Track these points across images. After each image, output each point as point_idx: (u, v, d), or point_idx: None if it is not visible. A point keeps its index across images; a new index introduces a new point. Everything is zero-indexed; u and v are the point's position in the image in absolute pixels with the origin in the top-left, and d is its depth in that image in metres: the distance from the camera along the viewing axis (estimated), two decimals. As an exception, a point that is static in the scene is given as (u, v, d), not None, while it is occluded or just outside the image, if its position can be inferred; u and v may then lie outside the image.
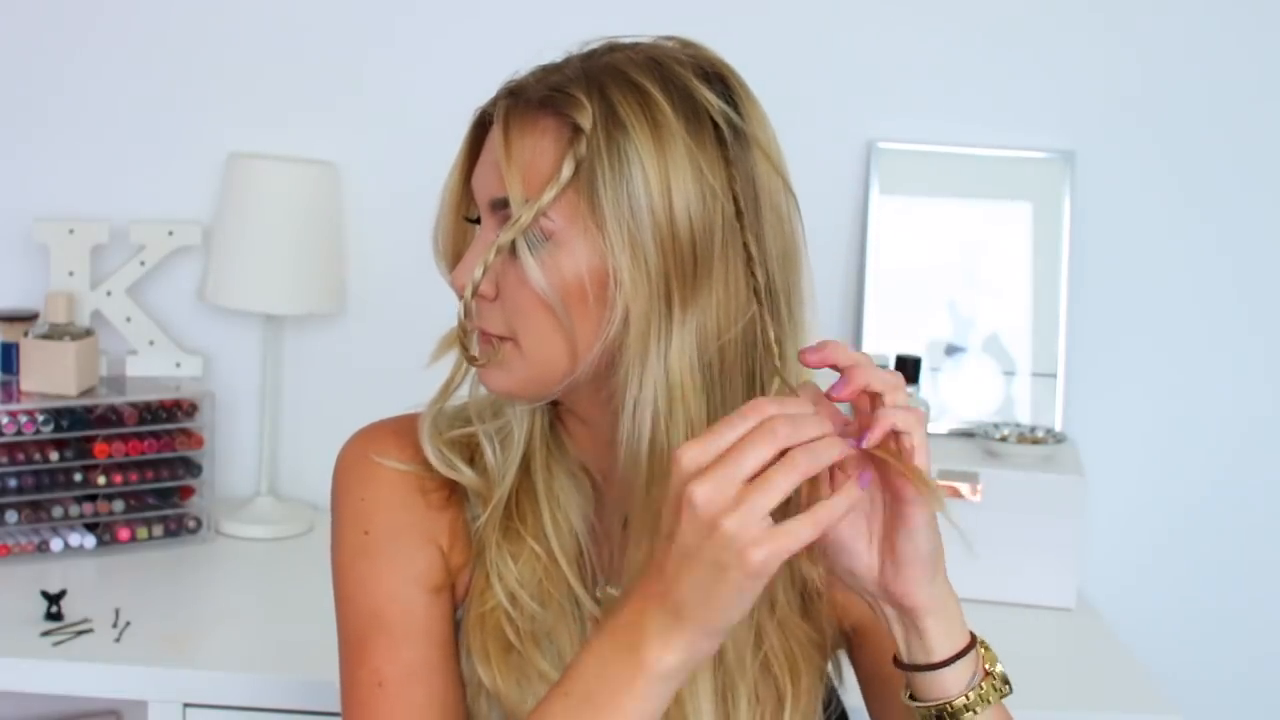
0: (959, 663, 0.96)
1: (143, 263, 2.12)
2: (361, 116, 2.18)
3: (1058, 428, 2.10)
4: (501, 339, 1.05)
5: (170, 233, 2.13)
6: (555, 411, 1.14)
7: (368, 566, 1.12)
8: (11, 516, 1.94)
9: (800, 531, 0.87)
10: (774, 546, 0.87)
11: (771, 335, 1.01)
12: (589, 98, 1.01)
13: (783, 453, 0.88)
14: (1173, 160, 2.15)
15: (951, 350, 2.14)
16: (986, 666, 0.98)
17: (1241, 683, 2.23)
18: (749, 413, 0.89)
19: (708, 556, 0.88)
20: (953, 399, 2.13)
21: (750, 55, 1.93)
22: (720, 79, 1.05)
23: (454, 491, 1.14)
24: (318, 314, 2.16)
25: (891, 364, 2.04)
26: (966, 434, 2.10)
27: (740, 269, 1.01)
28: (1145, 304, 2.17)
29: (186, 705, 1.69)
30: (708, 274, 1.00)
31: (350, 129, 2.17)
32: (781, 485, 0.87)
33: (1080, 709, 1.77)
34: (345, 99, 2.17)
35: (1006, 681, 0.98)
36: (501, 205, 1.03)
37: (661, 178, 0.99)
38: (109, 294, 2.12)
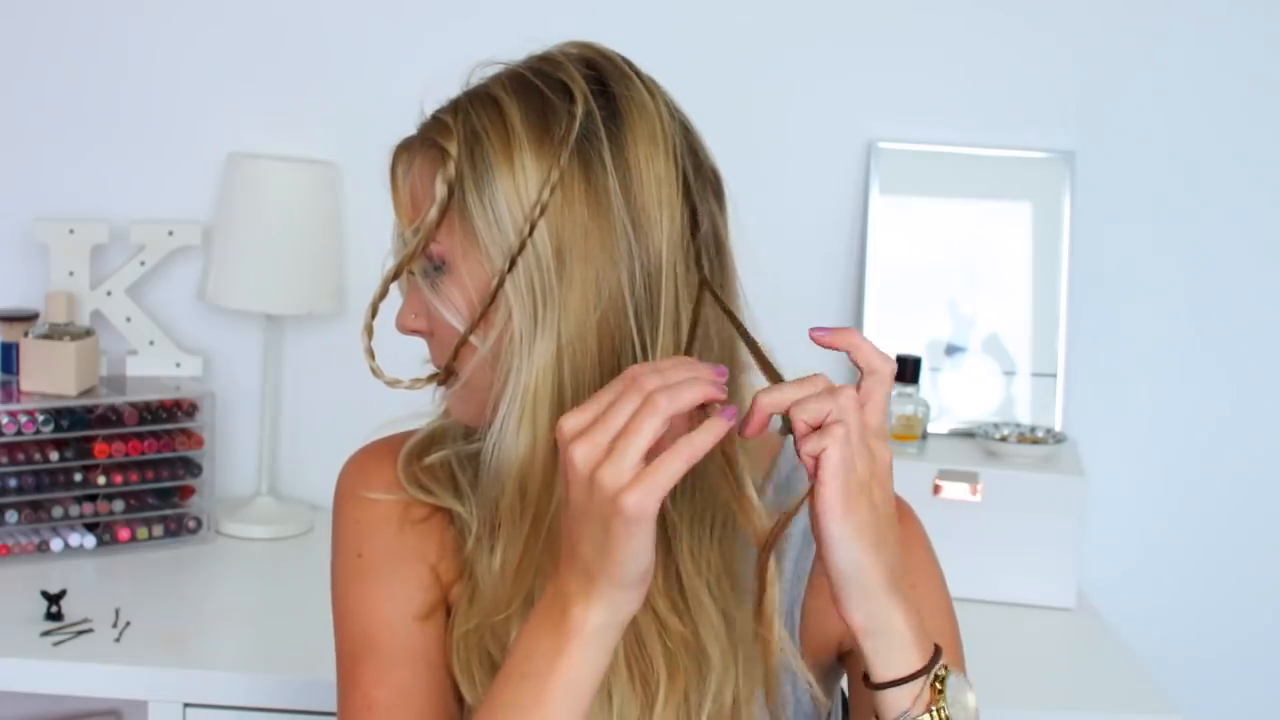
0: (903, 687, 0.94)
1: (143, 263, 2.12)
2: (361, 116, 2.17)
3: (1058, 428, 2.10)
4: (447, 372, 1.09)
5: (170, 233, 2.13)
6: None
7: (361, 589, 1.13)
8: (11, 516, 1.94)
9: (668, 467, 0.89)
10: (644, 487, 0.88)
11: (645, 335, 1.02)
12: (454, 120, 1.05)
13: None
14: (1173, 160, 2.15)
15: (951, 350, 2.14)
16: (936, 706, 0.95)
17: (1241, 683, 2.23)
18: (623, 377, 0.92)
19: (594, 510, 0.90)
20: (953, 399, 2.13)
21: (750, 55, 1.94)
22: (593, 75, 1.04)
23: (441, 508, 1.15)
24: (318, 314, 2.16)
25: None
26: (966, 434, 2.10)
27: (597, 271, 1.01)
28: (1145, 304, 2.17)
29: (186, 705, 1.69)
30: (563, 277, 1.01)
31: (350, 129, 2.16)
32: (645, 428, 0.89)
33: (1080, 709, 1.77)
34: (345, 99, 2.17)
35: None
36: (406, 238, 1.07)
37: (515, 184, 1.01)
38: (109, 294, 2.12)
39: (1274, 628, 2.22)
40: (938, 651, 0.96)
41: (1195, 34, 2.13)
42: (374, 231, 2.15)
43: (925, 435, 2.03)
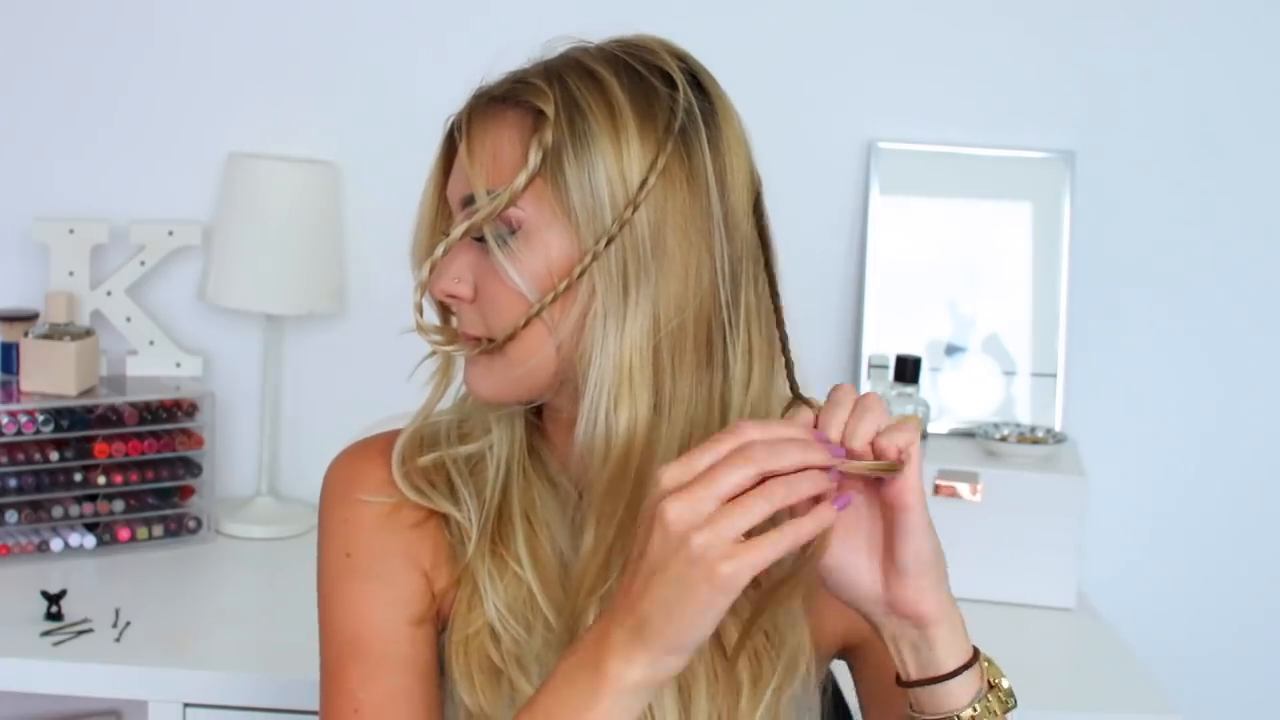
0: (965, 674, 0.95)
1: (143, 263, 2.12)
2: (361, 116, 2.18)
3: (1058, 428, 2.10)
4: (479, 340, 1.05)
5: (170, 233, 2.13)
6: (535, 423, 1.13)
7: (348, 590, 1.11)
8: (11, 516, 1.94)
9: (772, 546, 0.87)
10: (742, 560, 0.87)
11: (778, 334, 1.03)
12: (549, 86, 1.02)
13: (763, 479, 0.88)
14: (1173, 160, 2.15)
15: (951, 350, 2.14)
16: (991, 679, 0.97)
17: (1241, 683, 2.23)
18: (730, 435, 0.90)
19: (674, 572, 0.88)
20: (953, 399, 2.13)
21: (750, 55, 1.95)
22: (685, 68, 1.05)
23: (436, 512, 1.13)
24: (318, 314, 2.16)
25: (891, 364, 2.04)
26: (966, 434, 2.10)
27: (697, 257, 1.01)
28: (1145, 304, 2.17)
29: (186, 705, 1.69)
30: (661, 260, 1.00)
31: (350, 129, 2.17)
32: (755, 510, 0.87)
33: (1080, 709, 1.76)
34: (345, 99, 2.17)
35: (1012, 695, 0.97)
36: (470, 201, 1.03)
37: (620, 163, 1.00)
38: (109, 294, 2.12)
39: (1273, 627, 2.22)
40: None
41: (1195, 34, 2.13)
42: (374, 231, 2.18)
43: (925, 435, 2.03)
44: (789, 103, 2.14)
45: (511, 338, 1.03)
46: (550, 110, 1.00)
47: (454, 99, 2.10)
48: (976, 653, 0.97)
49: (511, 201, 1.01)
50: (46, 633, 1.73)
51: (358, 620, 1.10)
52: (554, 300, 1.01)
